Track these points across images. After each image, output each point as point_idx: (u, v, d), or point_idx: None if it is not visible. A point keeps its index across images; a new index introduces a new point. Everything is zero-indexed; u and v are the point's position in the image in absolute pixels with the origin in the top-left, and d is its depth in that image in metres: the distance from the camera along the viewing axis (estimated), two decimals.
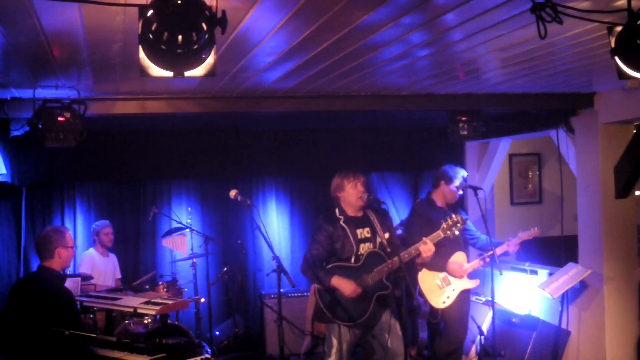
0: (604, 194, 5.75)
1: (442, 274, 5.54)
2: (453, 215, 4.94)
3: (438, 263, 5.43)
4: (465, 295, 5.61)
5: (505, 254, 5.88)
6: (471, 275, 5.67)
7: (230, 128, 7.26)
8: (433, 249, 4.70)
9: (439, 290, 5.51)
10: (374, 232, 4.69)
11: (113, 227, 6.82)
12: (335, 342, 4.59)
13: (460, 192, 5.69)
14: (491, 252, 5.34)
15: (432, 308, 5.57)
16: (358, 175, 4.69)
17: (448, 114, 5.88)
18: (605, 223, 5.75)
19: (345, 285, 4.51)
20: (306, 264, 4.66)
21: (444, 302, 5.49)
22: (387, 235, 4.66)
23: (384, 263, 4.62)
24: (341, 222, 4.68)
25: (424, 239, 4.72)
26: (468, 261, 5.69)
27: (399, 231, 6.19)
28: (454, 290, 5.51)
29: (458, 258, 5.59)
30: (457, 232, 4.89)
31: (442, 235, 4.83)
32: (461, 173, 5.69)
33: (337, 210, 4.76)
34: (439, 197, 5.68)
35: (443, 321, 5.63)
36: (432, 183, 5.84)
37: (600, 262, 5.77)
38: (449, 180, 5.62)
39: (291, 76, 4.37)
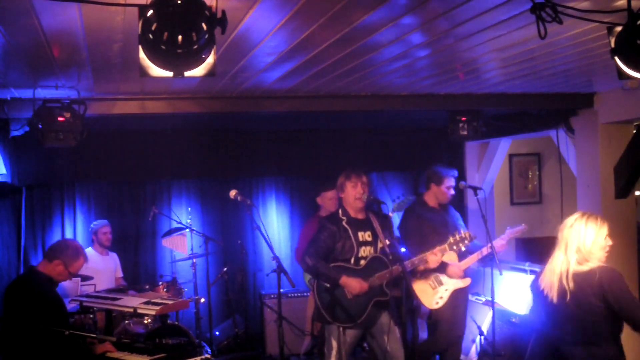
0: (604, 194, 5.75)
1: (433, 274, 5.43)
2: (462, 231, 5.05)
3: None
4: (458, 294, 5.51)
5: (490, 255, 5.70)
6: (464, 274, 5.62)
7: (230, 128, 7.26)
8: (440, 259, 4.92)
9: (432, 290, 5.44)
10: (375, 236, 4.70)
11: (113, 227, 6.81)
12: (335, 344, 4.57)
13: (452, 191, 5.61)
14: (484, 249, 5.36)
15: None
16: (360, 175, 4.69)
17: (448, 114, 5.89)
18: None
19: (353, 284, 4.52)
20: (307, 254, 4.61)
21: (437, 303, 5.40)
22: (387, 242, 4.67)
23: (386, 269, 4.62)
24: (344, 223, 4.67)
25: (435, 249, 4.92)
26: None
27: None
28: (446, 290, 5.42)
29: (451, 257, 5.43)
30: (463, 248, 5.04)
31: (448, 250, 4.99)
32: (451, 173, 5.62)
33: (340, 211, 4.76)
34: (431, 198, 5.62)
35: (436, 321, 5.58)
36: (424, 184, 5.77)
37: None
38: (439, 180, 5.55)
39: (291, 76, 4.37)
